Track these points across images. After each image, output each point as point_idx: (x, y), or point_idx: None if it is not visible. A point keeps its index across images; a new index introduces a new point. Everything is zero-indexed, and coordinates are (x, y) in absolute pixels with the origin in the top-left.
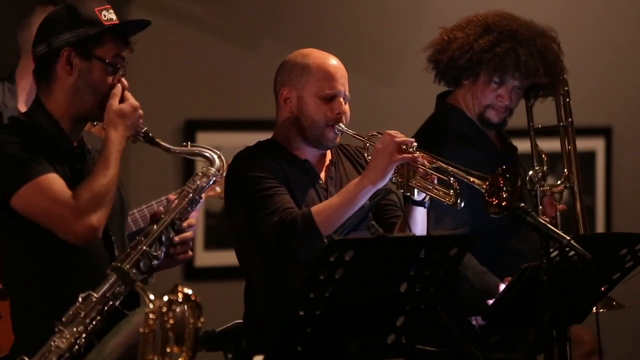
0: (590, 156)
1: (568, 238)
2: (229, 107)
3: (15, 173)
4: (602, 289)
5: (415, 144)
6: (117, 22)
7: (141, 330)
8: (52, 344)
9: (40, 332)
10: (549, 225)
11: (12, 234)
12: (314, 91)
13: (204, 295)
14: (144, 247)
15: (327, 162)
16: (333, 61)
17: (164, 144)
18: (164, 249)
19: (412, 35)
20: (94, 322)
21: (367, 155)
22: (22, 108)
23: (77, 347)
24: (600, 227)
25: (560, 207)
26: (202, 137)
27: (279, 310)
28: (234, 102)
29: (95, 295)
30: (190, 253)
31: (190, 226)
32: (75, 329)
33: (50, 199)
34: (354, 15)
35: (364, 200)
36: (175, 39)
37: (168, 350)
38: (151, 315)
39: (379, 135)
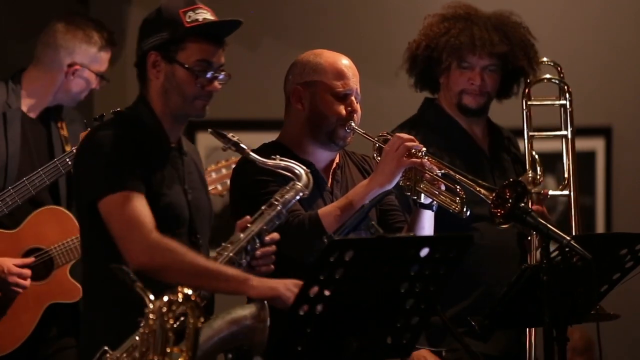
0: (590, 156)
1: (568, 238)
2: (229, 107)
3: (110, 178)
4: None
5: (424, 149)
6: (203, 22)
7: (141, 330)
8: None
9: (118, 327)
10: (549, 225)
11: (101, 231)
12: (326, 88)
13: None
14: (231, 254)
15: (334, 165)
16: (345, 60)
17: (255, 155)
18: (248, 258)
19: (412, 35)
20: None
21: (377, 156)
22: (26, 109)
23: None
24: (600, 227)
25: (535, 207)
26: (202, 137)
27: (279, 310)
28: (234, 102)
29: None
30: (272, 267)
31: (273, 240)
32: None
33: (129, 216)
34: (354, 15)
35: None
36: None
37: (168, 350)
38: (151, 316)
39: (389, 137)
